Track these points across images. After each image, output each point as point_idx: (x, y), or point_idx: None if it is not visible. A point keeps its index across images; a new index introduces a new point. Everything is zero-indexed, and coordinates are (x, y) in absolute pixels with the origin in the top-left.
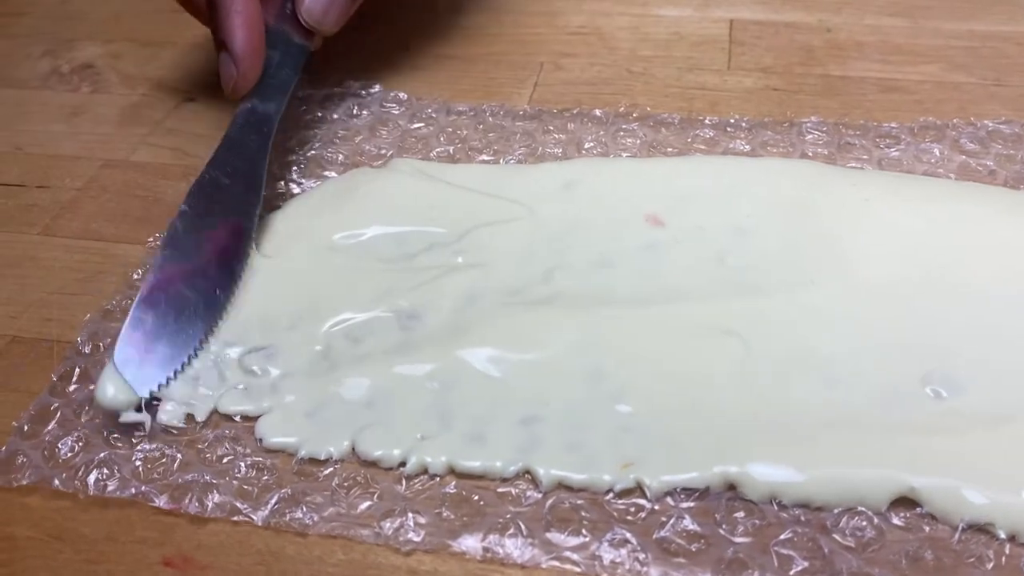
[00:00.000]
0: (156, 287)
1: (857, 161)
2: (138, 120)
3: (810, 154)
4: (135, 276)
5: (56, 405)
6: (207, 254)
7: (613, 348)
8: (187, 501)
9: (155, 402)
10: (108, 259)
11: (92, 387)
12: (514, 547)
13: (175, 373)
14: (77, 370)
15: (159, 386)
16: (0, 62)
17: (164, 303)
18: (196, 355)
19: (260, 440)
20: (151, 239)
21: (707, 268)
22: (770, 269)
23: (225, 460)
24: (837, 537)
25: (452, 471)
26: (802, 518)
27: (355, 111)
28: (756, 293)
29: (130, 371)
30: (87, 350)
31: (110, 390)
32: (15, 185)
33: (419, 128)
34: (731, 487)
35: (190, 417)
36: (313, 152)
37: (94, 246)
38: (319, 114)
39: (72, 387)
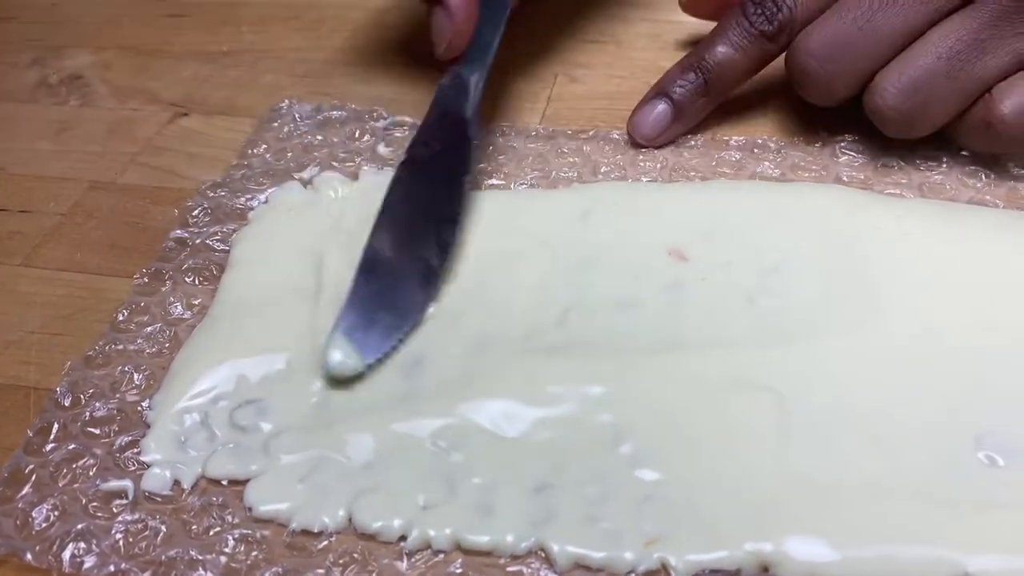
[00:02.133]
0: (374, 255)
1: (896, 186)
2: (128, 137)
3: (845, 178)
4: (120, 317)
5: (31, 467)
6: (421, 223)
7: (634, 404)
8: None
9: (140, 468)
10: (92, 294)
11: (71, 446)
12: None
13: (392, 348)
14: (56, 426)
15: (384, 354)
16: None
17: (382, 271)
18: (419, 323)
19: (250, 508)
20: (137, 275)
21: (736, 311)
22: (803, 313)
23: (212, 532)
24: None
25: (458, 546)
26: None
27: (356, 134)
28: (789, 340)
29: (357, 337)
30: (67, 402)
31: (337, 355)
32: None
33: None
34: (765, 568)
35: (176, 482)
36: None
37: (78, 279)
38: (319, 137)
39: (49, 445)
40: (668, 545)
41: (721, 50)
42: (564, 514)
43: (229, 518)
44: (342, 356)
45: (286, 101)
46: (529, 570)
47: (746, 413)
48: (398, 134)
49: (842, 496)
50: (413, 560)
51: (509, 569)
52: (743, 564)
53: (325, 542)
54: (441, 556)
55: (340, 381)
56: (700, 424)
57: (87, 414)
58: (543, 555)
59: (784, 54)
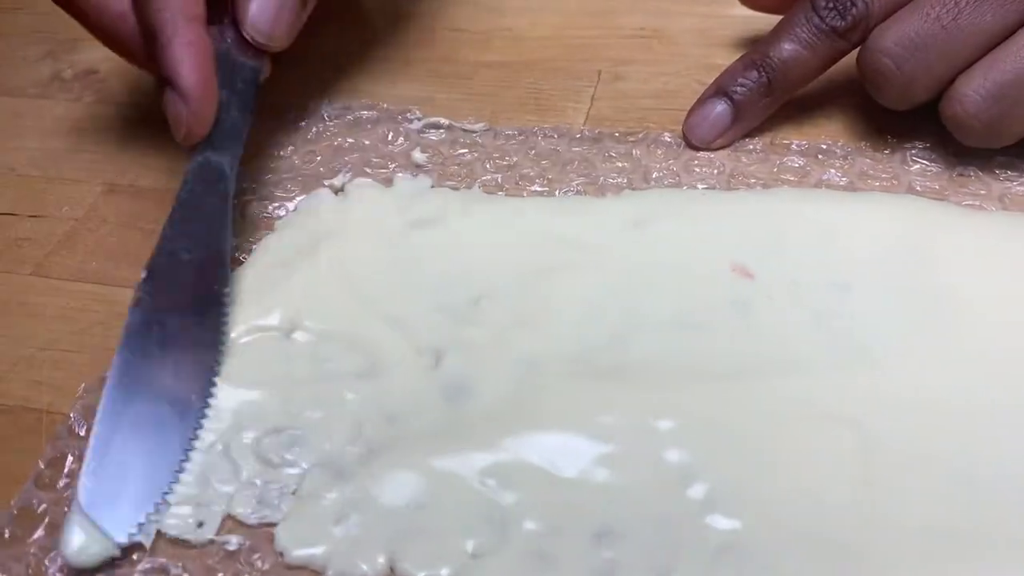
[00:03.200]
0: (117, 400)
1: (974, 197)
2: (144, 136)
3: (918, 188)
4: None
5: (44, 506)
6: (174, 349)
7: (702, 438)
8: None
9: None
10: (107, 307)
11: None
12: None
13: (155, 507)
14: (70, 458)
15: (139, 526)
16: None
17: (131, 419)
18: (178, 481)
19: (281, 554)
20: None
21: (807, 333)
22: (881, 336)
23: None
24: None
25: None
26: None
27: (390, 136)
28: (867, 367)
29: (103, 513)
30: (82, 431)
31: (76, 539)
32: (5, 214)
33: (463, 154)
34: None
35: (200, 524)
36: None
37: (92, 290)
38: (350, 140)
39: (62, 481)
40: None
41: (788, 47)
42: (630, 566)
43: (259, 563)
44: (84, 540)
45: (314, 100)
46: None
47: (826, 450)
48: (434, 137)
49: (933, 544)
50: None
51: None
52: None
53: None
54: None
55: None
56: (776, 463)
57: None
58: None
59: (855, 52)
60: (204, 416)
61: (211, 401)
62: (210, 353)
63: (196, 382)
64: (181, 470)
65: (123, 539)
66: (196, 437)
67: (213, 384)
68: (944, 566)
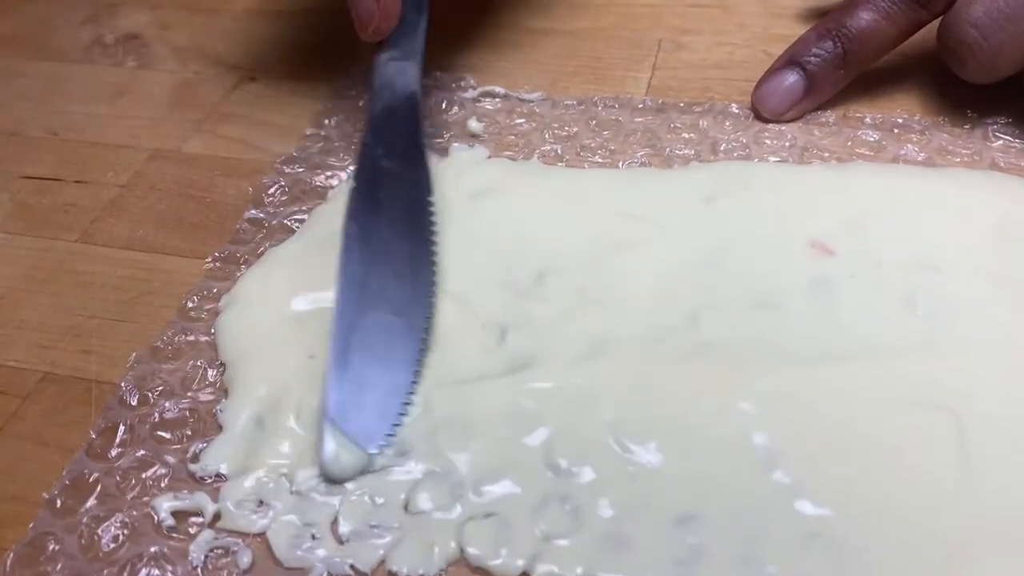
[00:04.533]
0: (349, 312)
1: None
2: (191, 102)
3: (1002, 164)
4: (190, 304)
5: (96, 475)
6: (393, 260)
7: (787, 423)
8: None
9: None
10: (157, 276)
11: (140, 453)
12: None
13: (399, 419)
14: (121, 427)
15: (387, 438)
16: (36, 29)
17: (365, 331)
18: (415, 394)
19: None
20: (209, 259)
21: (895, 314)
22: (974, 318)
23: (299, 553)
24: None
25: None
26: None
27: (443, 105)
28: (961, 351)
29: (352, 425)
30: (134, 401)
31: (331, 448)
32: (50, 179)
33: (520, 124)
34: None
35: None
36: None
37: (140, 259)
38: None
39: (115, 450)
40: None
41: (866, 16)
42: (714, 552)
43: (318, 536)
44: (335, 449)
45: (362, 65)
46: None
47: (920, 436)
48: (489, 106)
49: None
50: None
51: None
52: None
53: (437, 574)
54: None
55: (340, 480)
56: (866, 449)
57: (156, 415)
58: None
59: (937, 22)
60: (430, 328)
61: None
62: (426, 264)
63: (418, 293)
64: (417, 381)
65: (374, 450)
66: (426, 349)
67: (433, 295)
68: None
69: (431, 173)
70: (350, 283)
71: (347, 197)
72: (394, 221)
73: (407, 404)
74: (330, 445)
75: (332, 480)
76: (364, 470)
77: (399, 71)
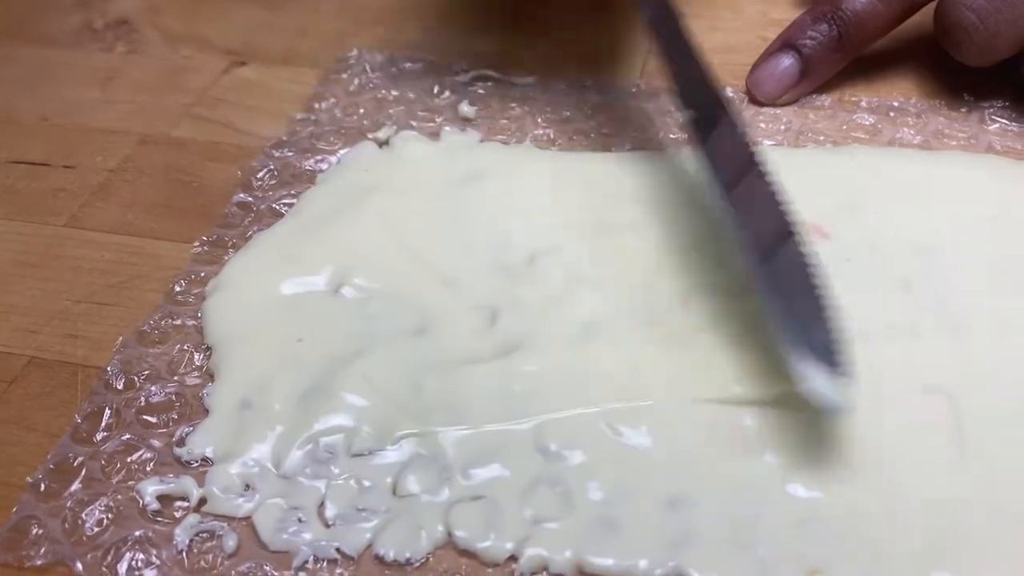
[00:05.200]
0: (756, 234)
1: None
2: (181, 87)
3: (998, 148)
4: (177, 288)
5: (80, 459)
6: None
7: (779, 405)
8: None
9: (205, 465)
10: (145, 260)
11: (125, 436)
12: None
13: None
14: (107, 411)
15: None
16: (25, 14)
17: (774, 250)
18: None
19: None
20: (197, 243)
21: (891, 297)
22: (971, 302)
23: (285, 537)
24: None
25: (580, 571)
26: None
27: (435, 90)
28: (957, 333)
29: (819, 350)
30: (120, 384)
31: (822, 386)
32: (39, 164)
33: (513, 108)
34: None
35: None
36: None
37: (128, 243)
38: (394, 93)
39: (100, 434)
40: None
41: None
42: (707, 535)
43: (305, 521)
44: (826, 385)
45: (355, 50)
46: None
47: (914, 418)
48: (481, 91)
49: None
50: None
51: None
52: None
53: (425, 557)
54: None
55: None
56: (860, 432)
57: (142, 399)
58: None
59: (933, 5)
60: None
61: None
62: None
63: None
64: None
65: (852, 373)
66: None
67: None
68: None
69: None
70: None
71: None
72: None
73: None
74: (820, 384)
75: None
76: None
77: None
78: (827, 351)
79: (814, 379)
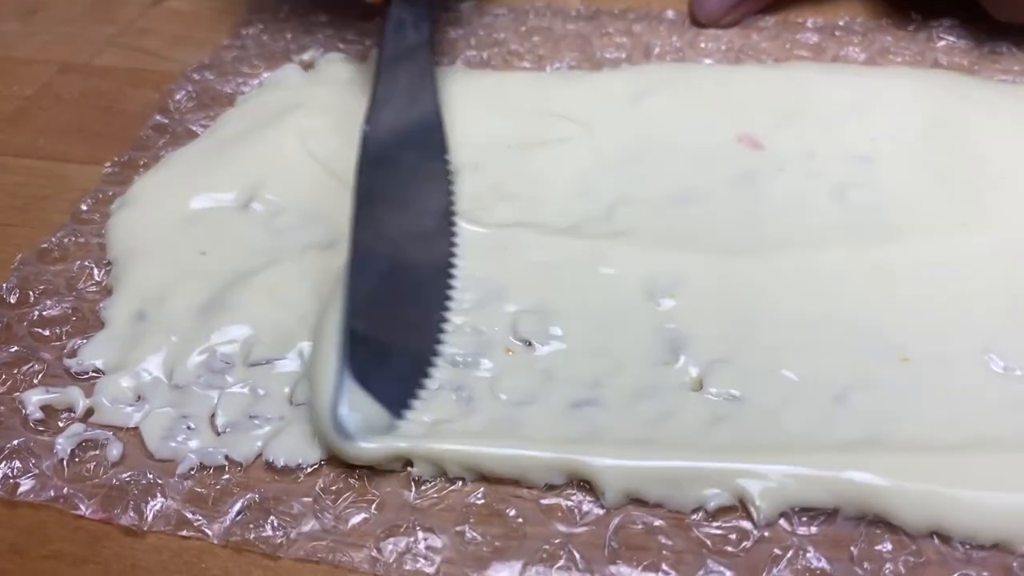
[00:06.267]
0: (366, 254)
1: (1007, 73)
2: (107, 18)
3: (944, 64)
4: (84, 207)
5: None
6: (416, 202)
7: (698, 307)
8: (120, 509)
9: (95, 376)
10: (53, 182)
11: (13, 349)
12: None
13: (422, 383)
14: None
15: (408, 402)
16: None
17: (387, 275)
18: (439, 355)
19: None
20: (108, 164)
21: (822, 205)
22: (905, 208)
23: (172, 445)
24: None
25: (477, 473)
26: (975, 556)
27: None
28: (890, 239)
29: (373, 381)
30: (13, 299)
31: (351, 419)
32: None
33: (446, 31)
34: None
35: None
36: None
37: (38, 166)
38: (323, 17)
39: None
40: (747, 474)
41: None
42: (611, 435)
43: (196, 434)
44: (359, 419)
45: None
46: (569, 503)
47: (844, 320)
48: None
49: (968, 425)
50: (423, 489)
51: (544, 502)
52: (843, 501)
53: (315, 464)
54: (458, 484)
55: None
56: (786, 335)
57: (36, 313)
58: (586, 485)
59: None
60: (454, 278)
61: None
62: (446, 217)
63: (441, 238)
64: (441, 342)
65: (404, 417)
66: (450, 300)
67: (455, 245)
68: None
69: (443, 122)
70: (371, 216)
71: (360, 150)
72: (411, 169)
73: (430, 367)
74: (348, 413)
75: (343, 441)
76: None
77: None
78: (391, 394)
79: (344, 410)
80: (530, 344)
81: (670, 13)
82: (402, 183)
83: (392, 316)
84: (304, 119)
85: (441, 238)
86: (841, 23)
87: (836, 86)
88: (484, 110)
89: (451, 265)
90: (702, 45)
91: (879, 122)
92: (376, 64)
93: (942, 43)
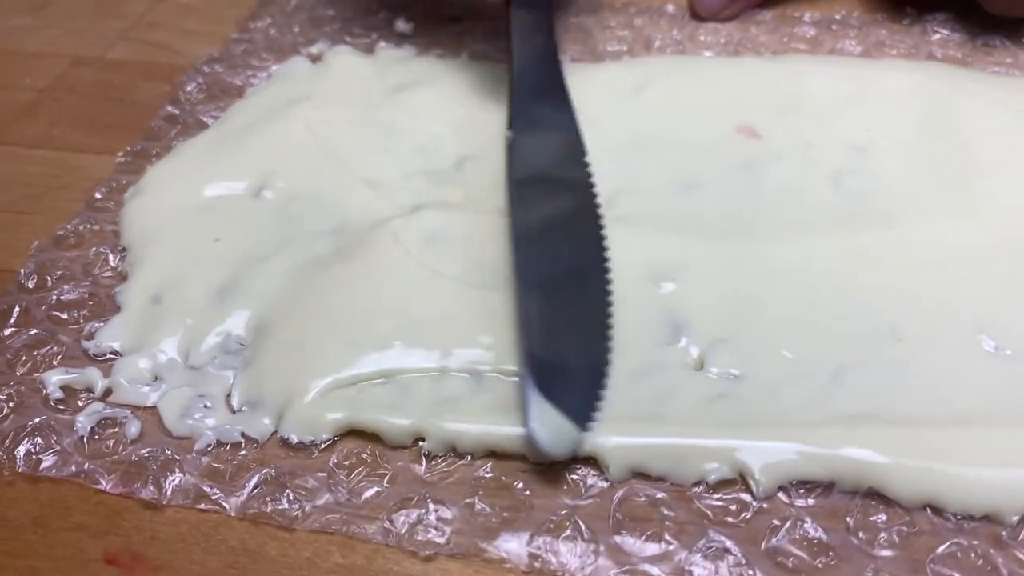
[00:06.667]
0: (533, 267)
1: (1000, 66)
2: (117, 12)
3: (938, 56)
4: (98, 196)
5: None
6: (564, 211)
7: (699, 290)
8: (140, 483)
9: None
10: (68, 172)
11: (33, 332)
12: (571, 554)
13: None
14: (17, 309)
15: (598, 411)
16: None
17: (552, 287)
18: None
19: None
20: (121, 153)
21: (819, 192)
22: (900, 196)
23: (189, 422)
24: (1020, 554)
25: (487, 449)
26: (966, 526)
27: (373, 8)
28: (884, 225)
29: (558, 397)
30: (31, 284)
31: (543, 434)
32: None
33: (451, 26)
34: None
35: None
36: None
37: (53, 157)
38: (330, 12)
39: (8, 330)
40: (746, 452)
41: None
42: (615, 412)
43: (212, 412)
44: (548, 433)
45: None
46: (575, 476)
47: (844, 305)
48: (420, 9)
49: (964, 405)
50: (434, 463)
51: (550, 476)
52: (839, 475)
53: (328, 440)
54: (467, 459)
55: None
56: (783, 317)
57: (54, 297)
58: (591, 459)
59: None
60: (611, 282)
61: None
62: (595, 219)
63: (594, 246)
64: (611, 340)
65: (590, 427)
66: (611, 304)
67: (606, 248)
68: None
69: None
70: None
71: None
72: (558, 156)
73: (607, 367)
74: (541, 432)
75: (549, 460)
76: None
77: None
78: (574, 405)
79: (536, 426)
80: None
81: (670, 7)
82: (552, 190)
83: (564, 331)
84: (313, 110)
85: (592, 244)
86: (838, 17)
87: (832, 78)
88: (488, 101)
89: (607, 271)
90: (702, 38)
91: (874, 113)
92: (511, 68)
93: (936, 36)
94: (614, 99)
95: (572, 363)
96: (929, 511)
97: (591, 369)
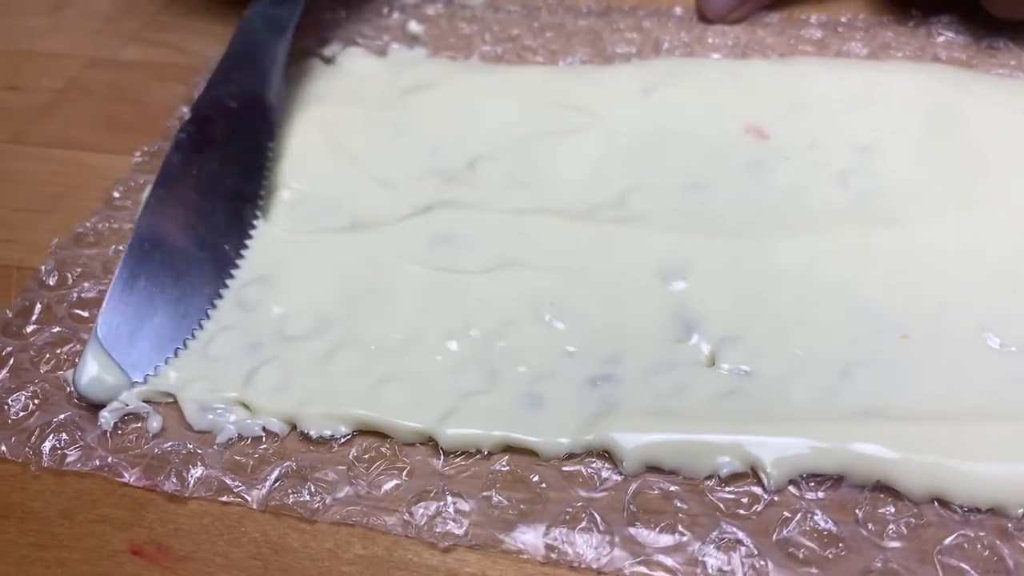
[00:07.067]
0: (149, 237)
1: (1004, 68)
2: (130, 13)
3: (943, 58)
4: (116, 194)
5: (9, 349)
6: (212, 196)
7: (710, 288)
8: (163, 476)
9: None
10: (85, 171)
11: (55, 329)
12: (587, 545)
13: (176, 352)
14: (38, 306)
15: (155, 368)
16: None
17: (160, 258)
18: (201, 328)
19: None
20: (139, 153)
21: (826, 191)
22: (905, 195)
23: (210, 417)
24: None
25: (504, 445)
26: (972, 519)
27: (385, 11)
28: (890, 224)
29: (120, 349)
30: (51, 281)
31: (91, 370)
32: None
33: (462, 28)
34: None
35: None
36: (334, 54)
37: (70, 156)
38: (343, 13)
39: (30, 327)
40: (758, 447)
41: None
42: (628, 408)
43: (232, 409)
44: (97, 371)
45: None
46: (589, 471)
47: (843, 302)
48: (431, 11)
49: (968, 403)
50: (452, 458)
51: (565, 469)
52: (848, 469)
53: (347, 434)
54: (484, 453)
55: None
56: (793, 314)
57: (75, 295)
58: (606, 453)
59: None
60: (236, 267)
61: (244, 253)
62: (248, 204)
63: (231, 231)
64: (205, 318)
65: (138, 378)
66: (225, 287)
67: (248, 236)
68: (976, 422)
69: (275, 122)
70: (154, 210)
71: (178, 129)
72: (225, 159)
73: (187, 339)
74: (90, 368)
75: (86, 399)
76: (119, 393)
77: (270, 18)
78: (125, 345)
79: (88, 364)
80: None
81: (678, 10)
82: (218, 161)
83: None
84: (325, 110)
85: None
86: (844, 19)
87: (839, 79)
88: (500, 102)
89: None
90: (710, 40)
91: (880, 113)
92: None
93: (941, 38)
94: (624, 100)
95: (151, 323)
96: (936, 504)
97: (167, 334)
